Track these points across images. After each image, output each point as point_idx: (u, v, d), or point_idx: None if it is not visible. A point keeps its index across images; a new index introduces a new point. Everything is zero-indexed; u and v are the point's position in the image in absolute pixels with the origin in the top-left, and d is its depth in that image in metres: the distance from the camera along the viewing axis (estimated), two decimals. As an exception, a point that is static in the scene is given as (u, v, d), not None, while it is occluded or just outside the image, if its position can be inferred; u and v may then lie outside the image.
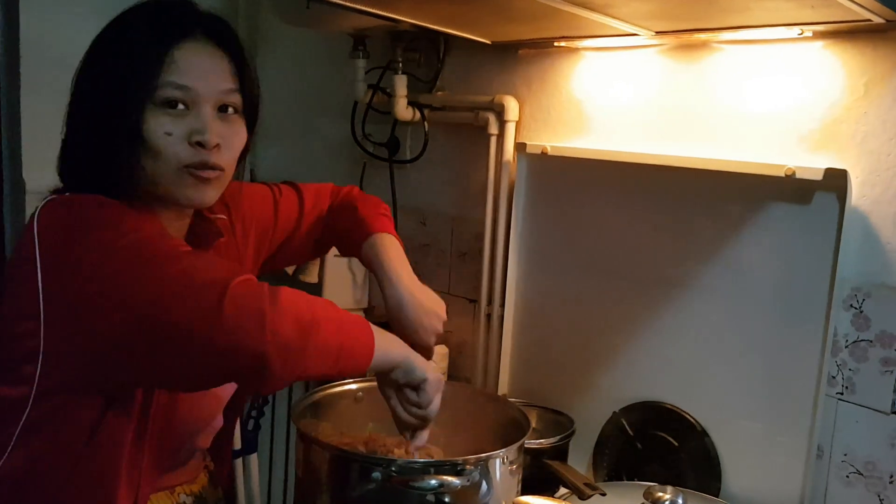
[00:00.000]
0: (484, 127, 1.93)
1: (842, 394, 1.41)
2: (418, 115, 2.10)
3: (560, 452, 1.58)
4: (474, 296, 2.03)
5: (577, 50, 1.77)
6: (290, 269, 2.11)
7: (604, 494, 1.37)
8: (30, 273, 1.02)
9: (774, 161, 1.42)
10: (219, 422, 1.32)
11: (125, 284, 0.98)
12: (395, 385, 1.21)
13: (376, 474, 1.18)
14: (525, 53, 1.89)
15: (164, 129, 1.07)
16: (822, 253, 1.38)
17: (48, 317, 1.01)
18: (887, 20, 1.27)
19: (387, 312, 1.37)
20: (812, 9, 1.25)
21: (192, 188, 1.11)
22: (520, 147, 1.84)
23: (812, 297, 1.40)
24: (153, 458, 1.14)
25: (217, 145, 1.10)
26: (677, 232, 1.59)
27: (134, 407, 1.09)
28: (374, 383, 1.39)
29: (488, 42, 1.86)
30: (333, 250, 1.54)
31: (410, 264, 2.11)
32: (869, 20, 1.27)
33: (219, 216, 1.29)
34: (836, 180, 1.35)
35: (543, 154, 1.77)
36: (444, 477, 1.17)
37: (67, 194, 1.10)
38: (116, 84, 1.07)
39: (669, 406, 1.60)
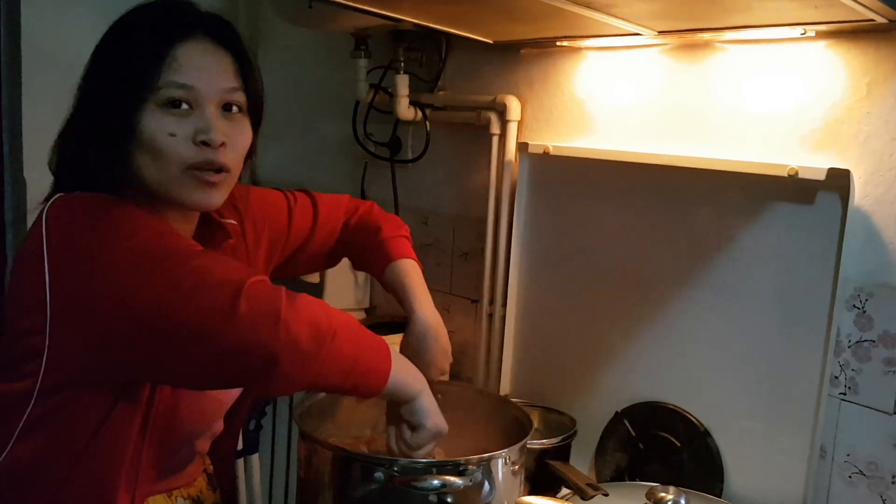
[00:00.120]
0: (486, 127, 1.93)
1: (844, 394, 1.41)
2: (420, 114, 2.10)
3: (562, 453, 1.58)
4: (476, 296, 2.03)
5: (579, 49, 1.77)
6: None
7: (606, 495, 1.37)
8: (37, 269, 1.01)
9: (777, 161, 1.41)
10: (218, 427, 1.32)
11: (134, 283, 0.98)
12: (398, 416, 1.20)
13: (378, 474, 1.17)
14: (527, 53, 1.89)
15: (167, 130, 1.07)
16: (824, 253, 1.38)
17: (54, 313, 1.01)
18: (890, 20, 1.27)
19: (406, 339, 1.38)
20: (815, 9, 1.25)
21: (197, 191, 1.10)
22: (522, 147, 1.84)
23: (815, 297, 1.40)
24: (152, 458, 1.14)
25: (223, 144, 1.10)
26: (679, 232, 1.59)
27: (137, 407, 1.09)
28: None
29: (490, 42, 1.86)
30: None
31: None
32: (872, 20, 1.27)
33: (228, 220, 1.28)
34: (838, 180, 1.35)
35: (545, 154, 1.77)
36: (447, 477, 1.17)
37: (77, 192, 1.09)
38: (118, 84, 1.06)
39: (671, 406, 1.60)
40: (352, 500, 1.21)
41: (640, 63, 1.67)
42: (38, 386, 1.04)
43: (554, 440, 1.56)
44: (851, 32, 1.37)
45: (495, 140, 1.93)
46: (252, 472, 1.94)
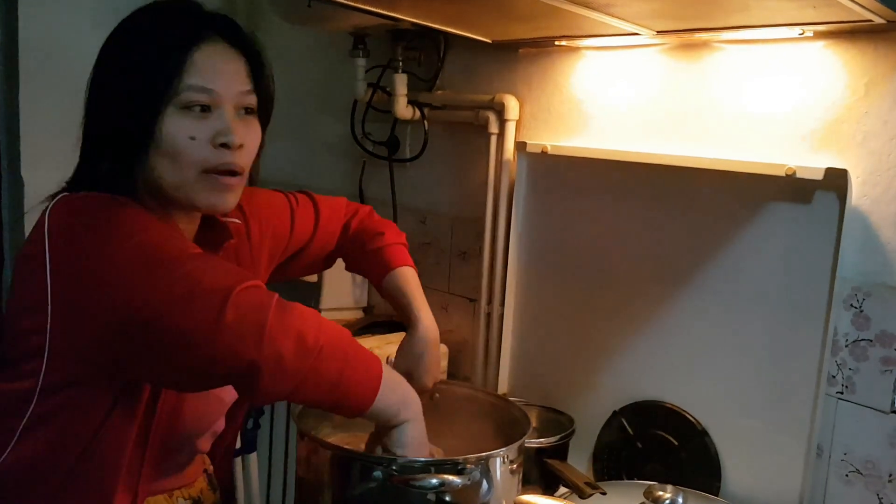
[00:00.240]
0: (484, 126, 1.93)
1: (842, 393, 1.41)
2: (418, 113, 2.10)
3: (560, 451, 1.58)
4: (474, 295, 2.03)
5: (577, 49, 1.77)
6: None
7: (604, 493, 1.37)
8: (39, 269, 1.02)
9: (775, 161, 1.42)
10: (220, 425, 1.32)
11: (127, 285, 0.98)
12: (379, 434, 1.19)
13: (377, 473, 1.17)
14: (525, 52, 1.89)
15: (188, 133, 1.07)
16: (822, 252, 1.39)
17: (55, 313, 1.01)
18: (888, 20, 1.27)
19: (406, 346, 1.40)
20: (813, 9, 1.25)
21: (214, 194, 1.11)
22: (520, 146, 1.84)
23: (812, 297, 1.40)
24: (155, 458, 1.14)
25: (240, 146, 1.11)
26: (677, 231, 1.59)
27: (139, 408, 1.09)
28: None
29: (489, 41, 1.86)
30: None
31: (411, 264, 2.11)
32: (870, 20, 1.27)
33: (232, 220, 1.29)
34: (836, 180, 1.36)
35: (544, 153, 1.77)
36: (445, 476, 1.17)
37: (81, 192, 1.10)
38: (137, 88, 1.07)
39: (669, 405, 1.60)
40: (351, 498, 1.21)
41: (638, 63, 1.68)
42: (39, 385, 1.04)
43: (552, 439, 1.57)
44: (849, 33, 1.37)
45: (493, 139, 1.93)
46: (250, 471, 1.94)
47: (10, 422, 1.06)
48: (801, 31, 1.40)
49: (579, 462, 1.67)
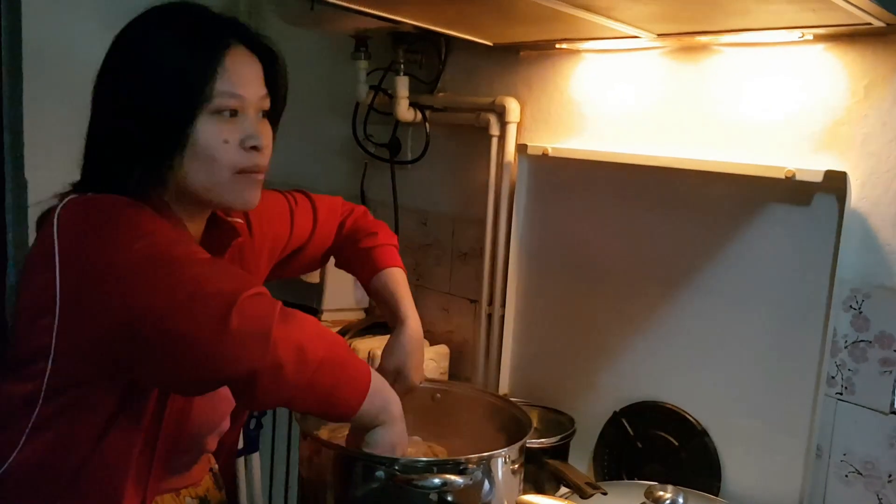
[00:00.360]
0: (485, 128, 1.94)
1: (841, 394, 1.42)
2: (419, 116, 2.11)
3: (561, 452, 1.59)
4: (475, 296, 2.04)
5: (578, 52, 1.78)
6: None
7: (605, 493, 1.37)
8: (48, 270, 1.03)
9: (775, 163, 1.42)
10: (226, 424, 1.33)
11: (133, 287, 0.99)
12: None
13: (380, 473, 1.18)
14: (526, 55, 1.89)
15: (221, 137, 1.11)
16: (821, 254, 1.39)
17: (63, 313, 1.02)
18: (887, 24, 1.28)
19: (393, 344, 1.42)
20: (813, 12, 1.26)
21: (246, 192, 1.16)
22: (521, 148, 1.85)
23: (812, 298, 1.41)
24: (163, 458, 1.15)
25: (265, 147, 1.16)
26: (677, 233, 1.60)
27: (148, 408, 1.10)
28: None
29: (490, 44, 1.86)
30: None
31: (411, 265, 2.13)
32: (869, 24, 1.28)
33: (235, 219, 1.30)
34: (835, 182, 1.36)
35: (544, 155, 1.78)
36: (447, 476, 1.18)
37: (89, 194, 1.11)
38: (169, 93, 1.08)
39: (669, 406, 1.61)
40: (353, 498, 1.22)
41: (638, 65, 1.68)
42: (45, 385, 1.05)
43: (553, 439, 1.57)
44: (849, 36, 1.38)
45: (494, 141, 1.94)
46: (252, 471, 1.95)
47: (18, 423, 1.07)
48: (800, 34, 1.41)
49: (580, 462, 1.68)
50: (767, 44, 1.48)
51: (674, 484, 1.35)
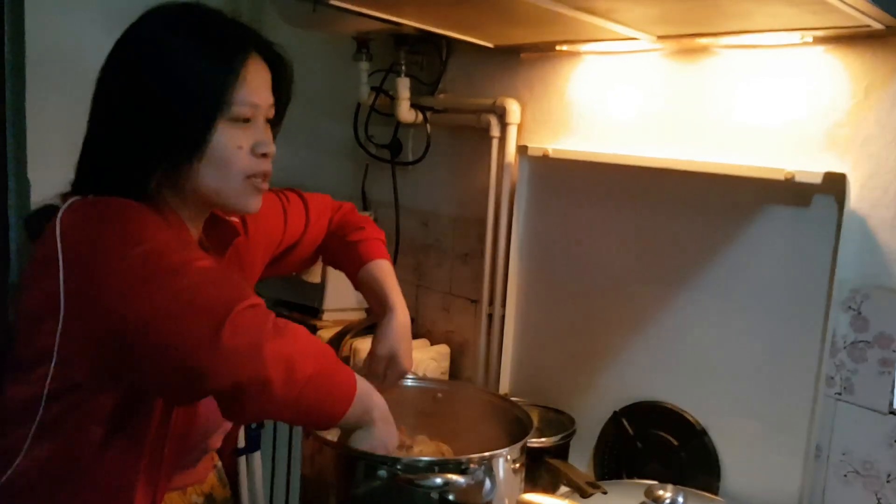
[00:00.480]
0: (486, 129, 1.95)
1: (840, 394, 1.43)
2: (421, 117, 2.12)
3: (561, 451, 1.59)
4: (475, 296, 2.04)
5: (578, 54, 1.79)
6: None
7: (605, 493, 1.38)
8: (52, 273, 1.03)
9: (774, 164, 1.43)
10: (229, 422, 1.34)
11: (129, 294, 0.99)
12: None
13: (382, 472, 1.19)
14: (527, 57, 1.90)
15: (236, 144, 1.12)
16: (820, 255, 1.40)
17: (66, 317, 1.02)
18: (886, 26, 1.28)
19: (384, 333, 1.43)
20: (813, 14, 1.27)
21: (253, 197, 1.18)
22: (521, 149, 1.86)
23: (811, 299, 1.42)
24: (173, 457, 1.15)
25: (273, 154, 1.18)
26: (677, 233, 1.60)
27: (155, 409, 1.10)
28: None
29: (491, 45, 1.87)
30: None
31: (412, 265, 2.14)
32: (869, 26, 1.28)
33: (232, 218, 1.31)
34: (834, 184, 1.37)
35: (545, 156, 1.79)
36: (449, 475, 1.19)
37: (91, 196, 1.11)
38: (190, 99, 1.09)
39: (669, 406, 1.61)
40: (355, 497, 1.22)
41: (639, 67, 1.69)
42: (47, 389, 1.05)
43: (553, 439, 1.58)
44: (849, 38, 1.38)
45: (495, 143, 1.94)
46: (254, 470, 1.95)
47: (21, 427, 1.07)
48: (800, 37, 1.41)
49: (580, 461, 1.69)
50: (767, 46, 1.49)
51: (673, 483, 1.36)
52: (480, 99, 1.97)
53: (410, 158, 2.21)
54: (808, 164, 1.43)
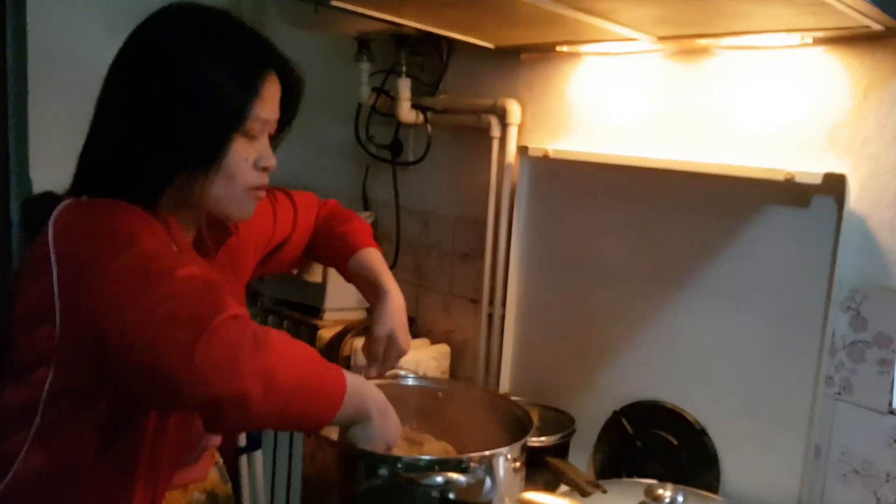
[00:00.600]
0: (486, 130, 1.95)
1: (839, 394, 1.43)
2: (421, 117, 2.12)
3: (561, 450, 1.60)
4: (476, 296, 2.05)
5: (578, 54, 1.79)
6: (294, 269, 2.13)
7: (605, 492, 1.39)
8: (46, 277, 1.02)
9: (774, 165, 1.43)
10: None
11: (111, 305, 0.98)
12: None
13: (383, 471, 1.19)
14: (527, 58, 1.91)
15: (244, 156, 1.14)
16: (820, 255, 1.40)
17: (62, 321, 1.02)
18: (886, 27, 1.29)
19: (381, 315, 1.45)
20: (812, 15, 1.27)
21: (249, 207, 1.20)
22: (522, 150, 1.86)
23: (810, 299, 1.42)
24: (172, 457, 1.16)
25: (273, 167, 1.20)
26: (677, 234, 1.61)
27: (151, 411, 1.10)
28: (384, 381, 1.43)
29: (491, 46, 1.87)
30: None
31: (412, 265, 2.14)
32: (868, 27, 1.29)
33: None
34: (834, 184, 1.37)
35: (545, 157, 1.79)
36: (450, 474, 1.19)
37: (84, 198, 1.11)
38: (210, 112, 1.09)
39: (669, 405, 1.62)
40: (356, 496, 1.22)
41: (639, 68, 1.69)
42: (45, 393, 1.05)
43: (553, 438, 1.58)
44: (848, 39, 1.39)
45: (496, 143, 1.95)
46: (255, 469, 1.96)
47: (19, 431, 1.07)
48: (800, 38, 1.42)
49: (580, 461, 1.69)
50: (767, 47, 1.49)
51: (673, 482, 1.36)
52: (481, 99, 1.98)
53: (411, 159, 2.21)
54: (808, 165, 1.43)
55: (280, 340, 1.02)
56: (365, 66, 2.16)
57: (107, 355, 0.99)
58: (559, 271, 1.82)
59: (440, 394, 1.55)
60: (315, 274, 2.13)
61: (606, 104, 1.76)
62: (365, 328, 2.05)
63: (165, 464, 1.14)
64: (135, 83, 1.11)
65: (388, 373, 1.56)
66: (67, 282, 1.02)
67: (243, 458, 1.90)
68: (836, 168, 1.40)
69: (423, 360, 2.00)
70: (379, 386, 1.19)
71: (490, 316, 2.00)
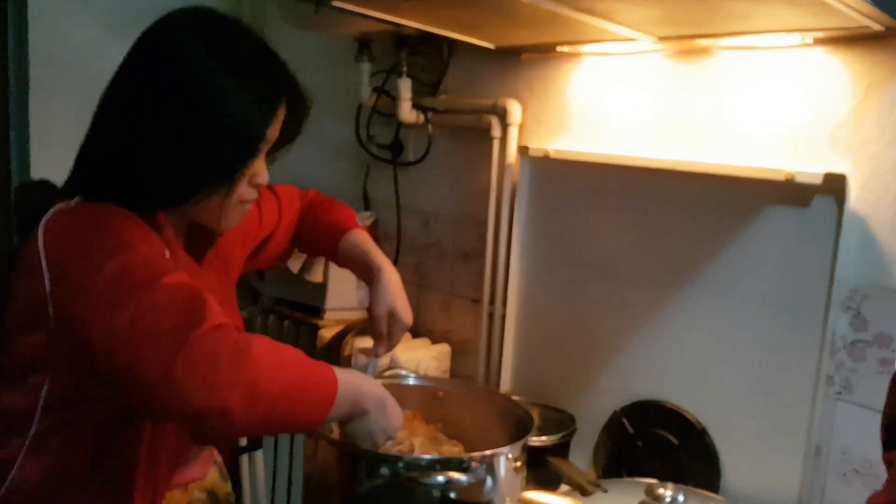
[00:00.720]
0: (487, 130, 1.95)
1: (840, 393, 1.43)
2: (422, 117, 2.12)
3: (562, 450, 1.60)
4: (476, 295, 2.05)
5: (579, 55, 1.79)
6: (294, 269, 2.13)
7: (606, 491, 1.39)
8: (37, 283, 1.02)
9: (774, 165, 1.44)
10: None
11: (96, 318, 0.98)
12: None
13: (384, 470, 1.20)
14: (528, 58, 1.91)
15: (247, 175, 1.15)
16: (820, 255, 1.40)
17: (53, 328, 1.02)
18: (886, 27, 1.29)
19: (379, 290, 1.44)
20: (813, 16, 1.27)
21: (237, 218, 1.21)
22: (522, 150, 1.86)
23: (811, 299, 1.42)
24: (172, 457, 1.16)
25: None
26: (677, 234, 1.61)
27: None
28: (384, 380, 1.43)
29: (492, 46, 1.88)
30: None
31: (413, 265, 2.15)
32: (868, 27, 1.29)
33: None
34: (835, 184, 1.38)
35: (546, 157, 1.79)
36: (451, 473, 1.19)
37: (74, 202, 1.09)
38: (229, 134, 1.09)
39: (669, 405, 1.62)
40: (357, 495, 1.23)
41: (639, 68, 1.70)
42: (42, 400, 1.05)
43: (554, 437, 1.58)
44: (849, 39, 1.39)
45: (496, 143, 1.95)
46: (256, 468, 1.96)
47: (14, 438, 1.07)
48: (800, 38, 1.42)
49: (581, 460, 1.69)
50: (767, 47, 1.49)
51: (674, 482, 1.36)
52: (481, 100, 1.98)
53: (412, 159, 2.21)
54: (809, 165, 1.43)
55: (263, 348, 1.01)
56: (366, 67, 2.16)
57: (93, 364, 0.99)
58: (560, 271, 1.82)
59: (441, 393, 1.55)
60: (316, 274, 2.13)
61: (607, 104, 1.76)
62: (366, 328, 2.05)
63: (164, 464, 1.14)
64: (153, 95, 1.08)
65: (389, 373, 1.57)
66: (58, 289, 1.01)
67: (244, 458, 1.90)
68: (837, 168, 1.40)
69: (424, 359, 2.00)
70: None
71: (491, 315, 2.00)
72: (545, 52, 1.85)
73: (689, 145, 1.62)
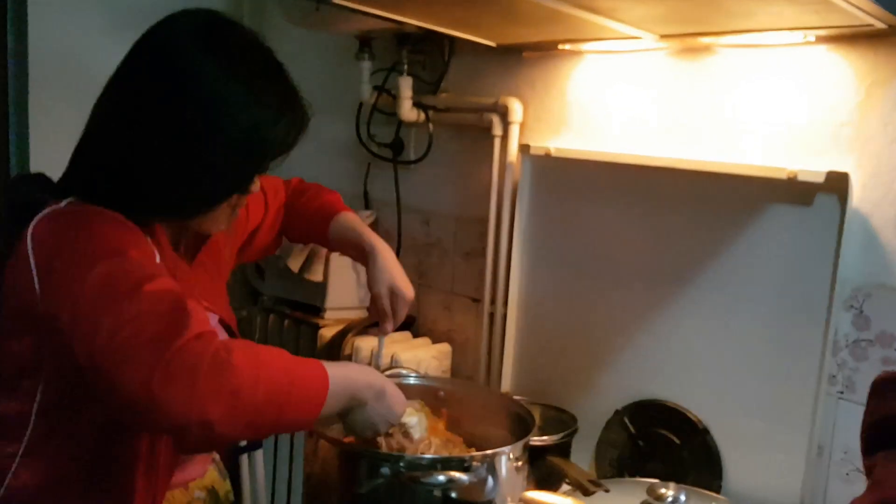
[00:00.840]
0: (488, 128, 1.95)
1: (842, 392, 1.43)
2: (423, 116, 2.12)
3: (563, 449, 1.60)
4: (477, 295, 2.05)
5: (580, 53, 1.79)
6: (295, 268, 2.13)
7: (607, 491, 1.38)
8: (27, 288, 1.02)
9: (777, 164, 1.43)
10: None
11: (81, 321, 0.98)
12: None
13: (385, 469, 1.19)
14: (529, 56, 1.90)
15: None
16: (823, 254, 1.40)
17: (44, 333, 1.02)
18: (889, 25, 1.29)
19: (375, 267, 1.46)
20: (815, 14, 1.27)
21: (227, 222, 1.22)
22: (523, 148, 1.86)
23: (813, 298, 1.42)
24: (169, 456, 1.15)
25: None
26: (679, 233, 1.60)
27: None
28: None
29: (493, 44, 1.87)
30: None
31: (414, 264, 2.14)
32: (871, 25, 1.29)
33: None
34: (837, 183, 1.37)
35: (547, 155, 1.79)
36: (452, 473, 1.19)
37: (64, 204, 1.08)
38: (238, 149, 1.09)
39: (671, 404, 1.62)
40: (358, 495, 1.23)
41: (641, 66, 1.69)
42: (36, 406, 1.05)
43: (556, 437, 1.58)
44: (851, 37, 1.39)
45: (497, 142, 1.95)
46: (256, 468, 1.95)
47: (8, 445, 1.06)
48: (803, 36, 1.42)
49: (582, 460, 1.69)
50: (770, 45, 1.49)
51: (676, 482, 1.36)
52: (483, 98, 1.98)
53: (412, 157, 2.21)
54: (811, 164, 1.43)
55: (245, 354, 1.00)
56: (366, 65, 2.16)
57: (90, 371, 0.98)
58: (561, 270, 1.82)
59: (441, 393, 1.55)
60: (316, 273, 2.13)
61: (608, 102, 1.76)
62: (367, 326, 2.05)
63: (164, 465, 1.14)
64: (159, 109, 1.07)
65: (389, 372, 1.56)
66: (46, 296, 1.01)
67: (244, 458, 1.90)
68: (840, 166, 1.40)
69: (425, 359, 1.99)
70: None
71: (491, 315, 2.00)
72: (546, 50, 1.85)
73: (691, 144, 1.61)
